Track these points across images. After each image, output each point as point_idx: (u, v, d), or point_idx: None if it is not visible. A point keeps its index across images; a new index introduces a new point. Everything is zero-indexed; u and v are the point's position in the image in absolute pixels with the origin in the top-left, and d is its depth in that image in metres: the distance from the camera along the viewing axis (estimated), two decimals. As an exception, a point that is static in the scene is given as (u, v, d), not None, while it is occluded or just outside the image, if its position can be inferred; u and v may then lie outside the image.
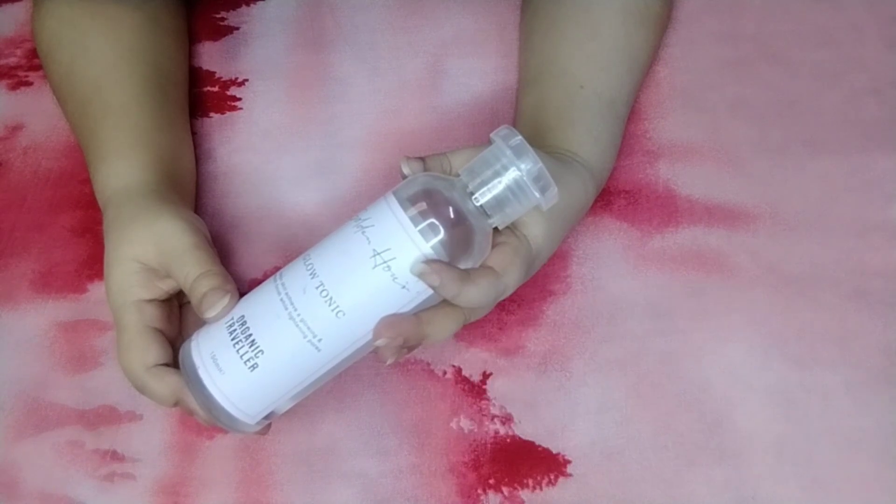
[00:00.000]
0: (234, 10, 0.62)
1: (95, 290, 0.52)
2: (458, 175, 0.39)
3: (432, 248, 0.37)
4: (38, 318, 0.51)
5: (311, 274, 0.38)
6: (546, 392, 0.47)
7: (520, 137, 0.38)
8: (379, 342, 0.38)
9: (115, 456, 0.47)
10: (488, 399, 0.48)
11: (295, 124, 0.57)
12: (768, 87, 0.56)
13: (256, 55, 0.60)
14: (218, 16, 0.62)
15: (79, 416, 0.48)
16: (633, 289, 0.50)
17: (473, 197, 0.38)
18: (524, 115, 0.52)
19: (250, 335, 0.38)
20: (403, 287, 0.37)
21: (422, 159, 0.40)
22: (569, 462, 0.46)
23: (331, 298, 0.37)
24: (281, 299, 0.38)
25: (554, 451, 0.46)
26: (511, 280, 0.40)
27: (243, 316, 0.39)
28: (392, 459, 0.46)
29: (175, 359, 0.42)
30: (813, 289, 0.49)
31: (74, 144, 0.56)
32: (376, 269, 0.37)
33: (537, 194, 0.38)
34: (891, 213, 0.51)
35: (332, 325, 0.37)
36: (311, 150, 0.56)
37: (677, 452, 0.45)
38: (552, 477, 0.45)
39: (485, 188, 0.38)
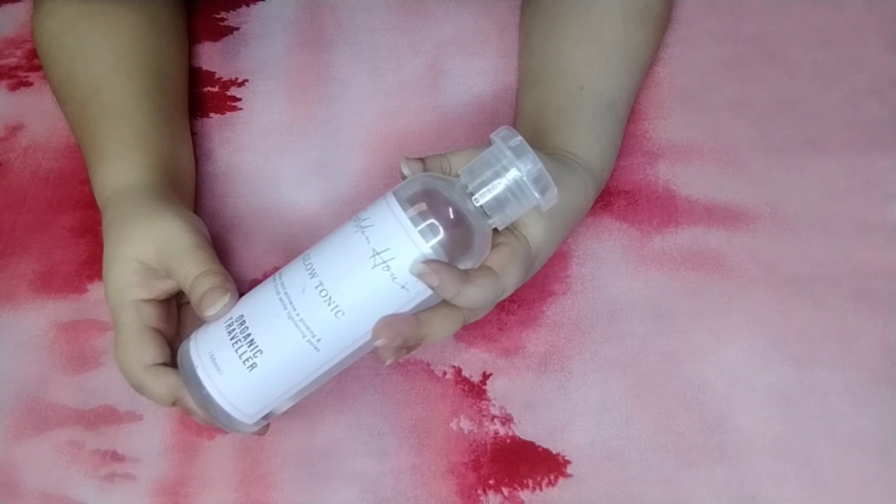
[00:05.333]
0: (234, 10, 0.62)
1: (95, 290, 0.52)
2: (457, 176, 0.39)
3: (432, 248, 0.37)
4: (37, 318, 0.51)
5: (310, 274, 0.38)
6: (546, 392, 0.47)
7: (519, 138, 0.38)
8: (378, 342, 0.38)
9: (114, 456, 0.47)
10: (488, 399, 0.47)
11: (295, 124, 0.57)
12: (768, 87, 0.56)
13: (256, 55, 0.60)
14: (218, 16, 0.62)
15: (79, 416, 0.48)
16: (633, 289, 0.50)
17: (473, 197, 0.38)
18: (524, 116, 0.52)
19: (249, 335, 0.38)
20: (403, 287, 0.37)
21: (422, 160, 0.40)
22: (569, 462, 0.46)
23: (330, 298, 0.37)
24: (280, 299, 0.38)
25: (554, 452, 0.46)
26: (510, 280, 0.40)
27: (242, 315, 0.39)
28: (392, 460, 0.46)
29: (173, 359, 0.42)
30: (813, 289, 0.49)
31: (74, 144, 0.56)
32: (376, 269, 0.37)
33: (537, 195, 0.38)
34: (891, 213, 0.51)
35: (331, 324, 0.37)
36: (311, 150, 0.56)
37: (677, 452, 0.45)
38: (552, 477, 0.45)
39: (485, 189, 0.38)
